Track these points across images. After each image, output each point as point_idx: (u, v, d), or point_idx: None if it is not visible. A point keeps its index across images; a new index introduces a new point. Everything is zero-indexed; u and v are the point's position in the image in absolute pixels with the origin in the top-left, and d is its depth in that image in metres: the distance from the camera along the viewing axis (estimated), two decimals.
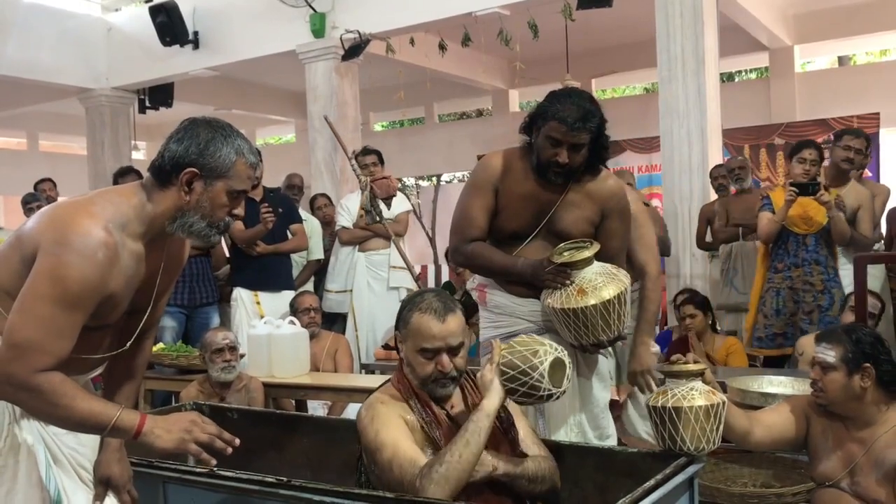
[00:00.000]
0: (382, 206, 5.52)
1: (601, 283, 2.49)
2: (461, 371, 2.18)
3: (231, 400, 3.94)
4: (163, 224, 1.79)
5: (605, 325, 2.49)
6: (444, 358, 2.13)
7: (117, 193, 1.79)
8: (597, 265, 2.56)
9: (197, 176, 1.76)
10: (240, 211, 1.85)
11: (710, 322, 4.82)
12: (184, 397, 3.97)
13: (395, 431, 2.08)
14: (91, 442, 1.96)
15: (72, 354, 1.69)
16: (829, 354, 2.52)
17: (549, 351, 2.14)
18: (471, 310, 5.12)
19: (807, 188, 4.44)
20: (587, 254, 2.52)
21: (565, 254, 2.54)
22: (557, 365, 2.14)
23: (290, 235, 5.39)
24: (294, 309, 4.96)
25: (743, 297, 5.54)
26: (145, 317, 1.92)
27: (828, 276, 4.52)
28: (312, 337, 4.84)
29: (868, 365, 2.48)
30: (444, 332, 2.12)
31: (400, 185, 6.82)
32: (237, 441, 1.80)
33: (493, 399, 2.07)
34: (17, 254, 1.71)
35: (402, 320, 2.21)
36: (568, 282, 2.51)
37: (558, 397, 2.17)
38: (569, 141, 2.55)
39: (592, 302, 2.45)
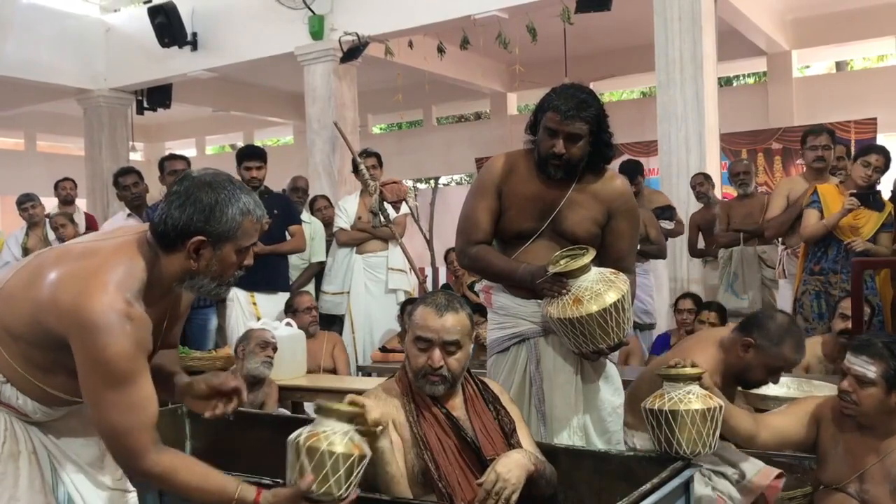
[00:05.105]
0: (390, 209, 5.52)
1: (598, 290, 2.46)
2: (454, 373, 2.17)
3: (251, 397, 3.96)
4: (171, 284, 1.78)
5: (603, 333, 2.47)
6: (436, 353, 2.14)
7: (125, 253, 1.73)
8: (594, 272, 2.53)
9: (205, 243, 1.71)
10: (249, 261, 1.82)
11: None
12: None
13: None
14: (97, 443, 1.95)
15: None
16: (870, 370, 2.43)
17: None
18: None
19: (867, 198, 4.40)
20: (583, 262, 2.50)
21: (561, 262, 2.53)
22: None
23: (288, 237, 5.39)
24: (294, 309, 4.97)
25: (742, 302, 5.55)
26: (160, 338, 1.91)
27: (865, 286, 4.49)
28: (311, 336, 4.86)
29: None
30: (439, 325, 2.14)
31: None
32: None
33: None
34: (29, 305, 1.69)
35: (408, 313, 2.25)
36: (564, 291, 2.50)
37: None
38: (564, 130, 2.55)
39: (588, 311, 2.43)
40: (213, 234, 1.71)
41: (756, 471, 2.56)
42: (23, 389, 1.76)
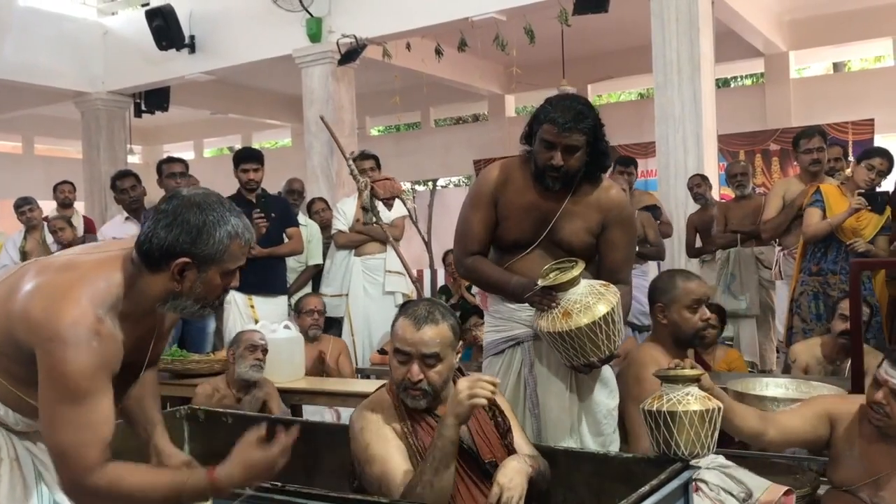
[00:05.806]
0: (382, 207, 5.51)
1: (588, 303, 2.45)
2: (434, 386, 2.14)
3: (247, 399, 3.95)
4: (153, 305, 1.74)
5: (593, 346, 2.45)
6: (414, 367, 2.12)
7: (106, 269, 1.70)
8: (584, 284, 2.52)
9: (189, 265, 1.67)
10: (235, 283, 1.78)
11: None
12: (199, 393, 3.94)
13: (384, 445, 2.09)
14: None
15: None
16: None
17: None
18: (465, 315, 5.14)
19: (875, 199, 4.38)
20: (571, 275, 2.49)
21: (551, 275, 2.52)
22: None
23: (286, 239, 5.39)
24: (298, 309, 4.96)
25: (740, 304, 5.55)
26: (148, 358, 1.90)
27: (863, 287, 4.48)
28: (314, 339, 4.85)
29: None
30: (416, 338, 2.12)
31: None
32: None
33: (447, 419, 2.02)
34: (4, 318, 1.67)
35: (392, 324, 2.24)
36: (554, 304, 2.49)
37: None
38: (561, 142, 2.55)
39: (577, 324, 2.42)
40: (198, 257, 1.67)
41: (763, 489, 2.55)
42: (5, 401, 1.75)
